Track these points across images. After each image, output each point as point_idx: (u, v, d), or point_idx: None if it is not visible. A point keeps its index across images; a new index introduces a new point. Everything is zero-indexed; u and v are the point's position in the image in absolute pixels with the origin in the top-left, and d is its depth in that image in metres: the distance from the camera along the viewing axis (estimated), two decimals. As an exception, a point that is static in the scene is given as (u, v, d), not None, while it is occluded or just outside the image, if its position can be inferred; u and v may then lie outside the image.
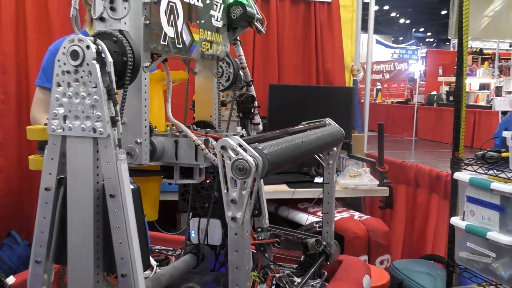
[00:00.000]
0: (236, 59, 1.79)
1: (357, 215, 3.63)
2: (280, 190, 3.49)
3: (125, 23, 1.19)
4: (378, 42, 18.13)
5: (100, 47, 1.11)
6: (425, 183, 3.68)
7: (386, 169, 3.54)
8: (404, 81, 15.16)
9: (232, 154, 0.97)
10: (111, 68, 1.10)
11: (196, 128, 1.49)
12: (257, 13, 1.78)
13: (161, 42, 1.32)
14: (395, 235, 3.81)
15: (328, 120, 1.75)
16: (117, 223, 1.11)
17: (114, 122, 1.10)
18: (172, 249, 1.96)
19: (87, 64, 1.09)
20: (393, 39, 29.14)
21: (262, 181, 1.91)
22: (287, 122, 3.84)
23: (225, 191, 0.99)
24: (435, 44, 33.47)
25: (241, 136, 1.82)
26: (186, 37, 1.43)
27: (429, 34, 33.04)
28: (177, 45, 1.39)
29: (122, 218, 1.11)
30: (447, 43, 30.59)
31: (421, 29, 31.73)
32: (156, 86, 1.53)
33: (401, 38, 31.12)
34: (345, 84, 4.40)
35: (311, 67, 4.31)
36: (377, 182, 3.52)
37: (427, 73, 16.24)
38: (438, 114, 13.36)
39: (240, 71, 1.80)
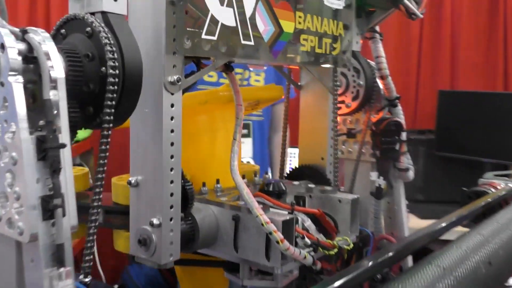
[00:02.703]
0: (371, 64, 1.10)
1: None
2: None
3: (114, -1, 0.60)
4: None
5: (36, 49, 0.52)
6: None
7: None
8: None
9: None
10: (58, 93, 0.51)
11: (279, 189, 0.83)
12: (410, -15, 1.05)
13: (204, 37, 0.69)
14: None
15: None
16: None
17: (48, 210, 0.51)
18: None
19: (1, 84, 0.52)
20: None
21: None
22: (463, 140, 3.07)
23: None
24: None
25: (377, 192, 1.14)
26: (265, 27, 0.78)
27: None
28: (243, 42, 0.75)
29: None
30: None
31: None
32: (223, 111, 0.91)
33: None
34: (545, 89, 3.39)
35: (497, 68, 3.39)
36: None
37: None
38: None
39: (378, 83, 1.10)
